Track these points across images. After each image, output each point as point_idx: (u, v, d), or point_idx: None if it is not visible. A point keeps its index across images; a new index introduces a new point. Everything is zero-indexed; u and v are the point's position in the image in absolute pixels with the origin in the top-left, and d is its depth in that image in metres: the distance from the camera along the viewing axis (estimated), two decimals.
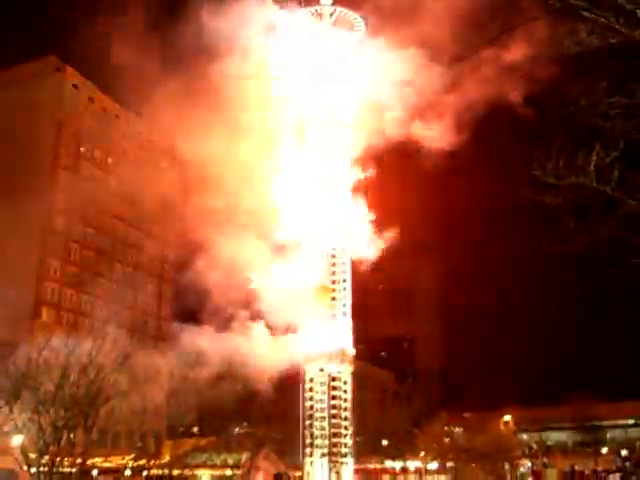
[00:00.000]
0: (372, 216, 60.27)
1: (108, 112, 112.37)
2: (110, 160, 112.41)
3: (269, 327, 57.70)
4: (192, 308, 63.93)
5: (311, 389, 58.81)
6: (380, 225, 60.07)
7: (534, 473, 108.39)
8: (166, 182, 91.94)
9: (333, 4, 65.57)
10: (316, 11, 64.84)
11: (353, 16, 65.10)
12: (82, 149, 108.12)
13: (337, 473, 57.59)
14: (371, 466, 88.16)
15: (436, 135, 56.90)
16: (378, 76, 59.76)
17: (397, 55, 57.31)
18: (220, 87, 56.20)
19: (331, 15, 65.39)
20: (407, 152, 61.99)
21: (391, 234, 59.61)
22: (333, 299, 59.94)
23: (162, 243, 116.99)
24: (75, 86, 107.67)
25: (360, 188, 62.35)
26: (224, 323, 58.78)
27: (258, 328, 57.77)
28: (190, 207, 63.95)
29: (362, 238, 59.94)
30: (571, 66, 15.55)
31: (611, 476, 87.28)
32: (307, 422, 58.15)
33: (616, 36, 14.02)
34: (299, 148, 61.42)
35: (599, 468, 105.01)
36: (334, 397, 58.74)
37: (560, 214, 15.86)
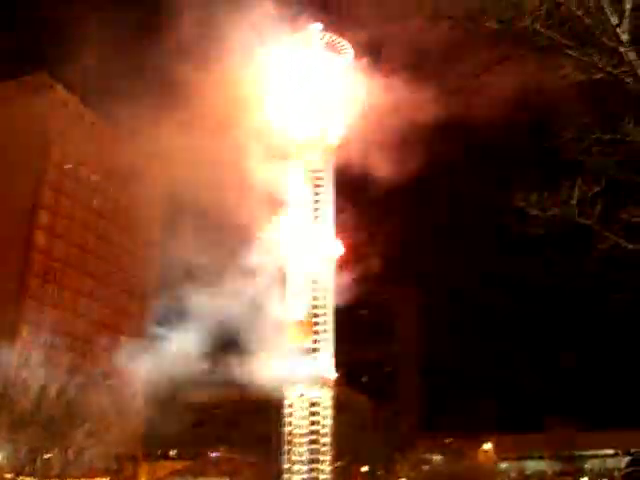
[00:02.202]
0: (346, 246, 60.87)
1: (95, 128, 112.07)
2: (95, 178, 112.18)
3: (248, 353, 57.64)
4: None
5: (290, 414, 58.57)
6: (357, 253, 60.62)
7: None
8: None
9: (323, 30, 66.28)
10: (305, 35, 65.45)
11: (341, 42, 65.81)
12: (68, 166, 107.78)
13: None
14: None
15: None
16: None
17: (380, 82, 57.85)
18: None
19: (321, 39, 66.05)
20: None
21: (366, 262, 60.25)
22: (315, 333, 59.81)
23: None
24: (64, 103, 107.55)
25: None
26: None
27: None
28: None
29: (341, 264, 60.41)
30: (556, 100, 15.75)
31: None
32: (286, 447, 57.83)
33: (599, 72, 14.22)
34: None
35: None
36: (313, 422, 58.52)
37: (543, 245, 15.98)
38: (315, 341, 59.43)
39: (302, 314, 59.35)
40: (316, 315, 60.13)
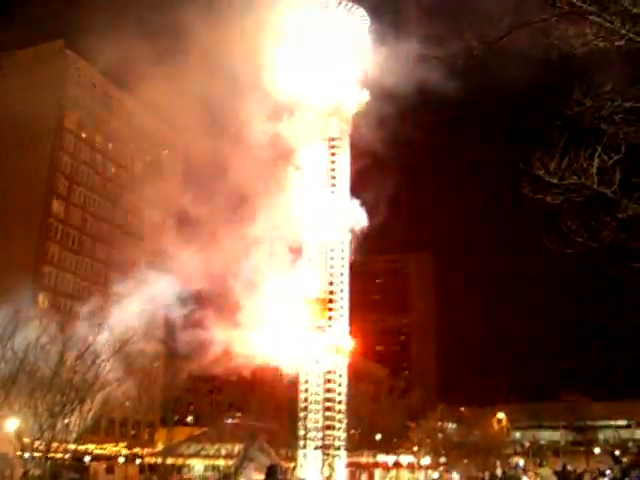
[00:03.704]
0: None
1: (110, 97, 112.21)
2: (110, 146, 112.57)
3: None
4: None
5: (306, 381, 58.98)
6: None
7: None
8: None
9: None
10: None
11: (358, 9, 65.15)
12: (84, 135, 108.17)
13: (330, 466, 57.79)
14: (364, 460, 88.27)
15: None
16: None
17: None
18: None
19: (338, 5, 65.36)
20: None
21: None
22: (330, 310, 59.88)
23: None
24: (78, 69, 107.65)
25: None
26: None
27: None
28: None
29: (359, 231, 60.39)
30: (577, 67, 15.60)
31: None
32: (301, 414, 58.33)
33: (622, 39, 14.05)
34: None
35: (589, 469, 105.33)
36: (329, 390, 58.96)
37: (561, 214, 15.92)
38: (330, 309, 59.60)
39: (318, 291, 59.42)
40: (331, 283, 60.22)
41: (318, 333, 58.52)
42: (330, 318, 59.52)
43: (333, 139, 62.63)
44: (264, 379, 61.48)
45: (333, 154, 62.67)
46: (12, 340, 50.47)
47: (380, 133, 61.95)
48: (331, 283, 60.38)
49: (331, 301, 60.01)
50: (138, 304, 55.57)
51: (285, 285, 58.03)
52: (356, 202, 61.40)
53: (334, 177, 62.26)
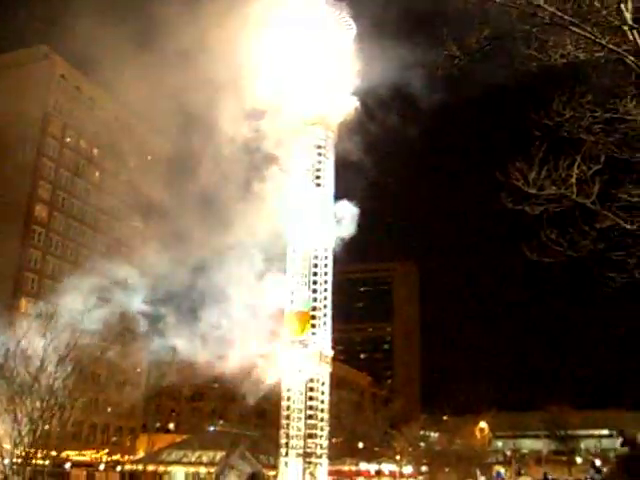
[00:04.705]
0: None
1: (95, 101, 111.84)
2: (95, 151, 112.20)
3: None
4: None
5: (288, 389, 58.79)
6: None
7: None
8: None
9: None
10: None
11: (344, 17, 65.09)
12: (67, 139, 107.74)
13: (311, 474, 57.61)
14: (346, 468, 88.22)
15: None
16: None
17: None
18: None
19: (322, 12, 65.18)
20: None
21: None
22: (313, 326, 59.60)
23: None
24: (63, 76, 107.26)
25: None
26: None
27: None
28: None
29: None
30: (556, 78, 15.70)
31: None
32: (283, 422, 58.13)
33: (602, 50, 14.17)
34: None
35: (571, 478, 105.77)
36: (311, 398, 58.74)
37: (540, 223, 16.00)
38: (313, 317, 59.47)
39: (301, 303, 59.18)
40: (315, 291, 60.12)
41: (300, 345, 58.33)
42: (313, 326, 59.37)
43: (319, 146, 62.50)
44: (244, 387, 61.24)
45: (319, 162, 62.51)
46: None
47: (363, 142, 62.14)
48: (314, 291, 60.22)
49: (314, 309, 59.83)
50: (118, 310, 55.36)
51: (262, 295, 57.85)
52: (340, 210, 61.30)
53: (319, 185, 62.16)
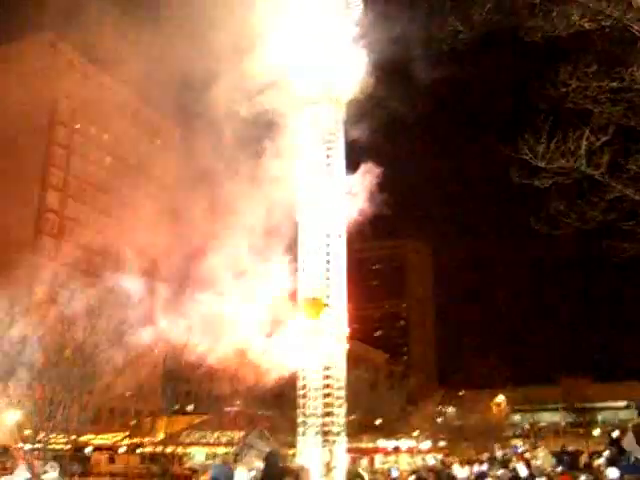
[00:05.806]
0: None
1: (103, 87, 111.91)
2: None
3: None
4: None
5: (304, 369, 58.99)
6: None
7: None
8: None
9: None
10: None
11: None
12: (77, 126, 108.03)
13: (330, 452, 57.90)
14: (363, 445, 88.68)
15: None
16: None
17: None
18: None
19: None
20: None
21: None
22: (327, 306, 59.35)
23: None
24: (70, 61, 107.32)
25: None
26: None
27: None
28: None
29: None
30: (562, 48, 15.57)
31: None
32: (300, 401, 58.38)
33: (607, 20, 14.05)
34: None
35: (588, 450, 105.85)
36: (327, 377, 58.90)
37: (549, 197, 15.97)
38: (328, 296, 59.42)
39: (314, 289, 59.02)
40: (328, 270, 59.98)
41: (315, 326, 58.30)
42: (327, 305, 59.31)
43: (330, 123, 61.92)
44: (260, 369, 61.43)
45: (330, 140, 62.00)
46: (9, 332, 50.55)
47: (373, 119, 61.65)
48: (328, 270, 60.12)
49: (328, 288, 59.73)
50: (133, 294, 55.65)
51: (276, 277, 57.79)
52: (352, 188, 60.90)
53: (329, 165, 61.80)
